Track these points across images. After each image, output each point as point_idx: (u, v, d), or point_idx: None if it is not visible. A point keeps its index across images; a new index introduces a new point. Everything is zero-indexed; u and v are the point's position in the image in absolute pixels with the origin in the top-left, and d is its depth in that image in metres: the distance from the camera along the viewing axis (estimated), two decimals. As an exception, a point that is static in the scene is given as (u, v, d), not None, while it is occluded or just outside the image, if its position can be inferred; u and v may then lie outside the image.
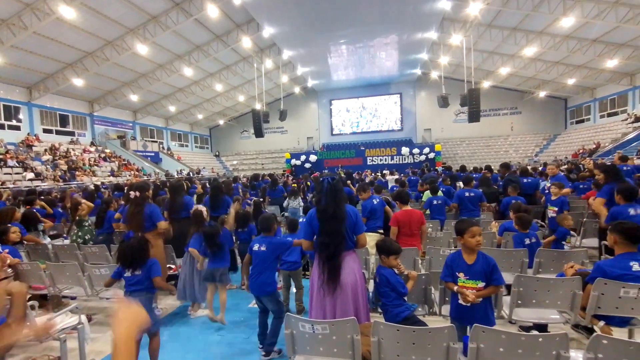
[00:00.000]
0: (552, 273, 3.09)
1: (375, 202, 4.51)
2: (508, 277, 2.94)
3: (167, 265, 4.52)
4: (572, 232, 5.02)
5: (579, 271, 2.63)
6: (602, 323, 2.36)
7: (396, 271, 2.51)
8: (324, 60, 22.09)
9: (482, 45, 19.53)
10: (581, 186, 7.06)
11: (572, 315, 2.46)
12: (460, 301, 2.25)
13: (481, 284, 2.21)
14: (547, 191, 5.32)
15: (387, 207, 4.52)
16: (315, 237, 2.52)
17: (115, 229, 5.03)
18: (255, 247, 2.95)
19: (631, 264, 2.28)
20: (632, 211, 3.33)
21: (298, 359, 2.10)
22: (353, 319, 1.89)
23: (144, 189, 3.90)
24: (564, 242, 3.82)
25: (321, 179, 2.54)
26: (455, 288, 2.29)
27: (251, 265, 3.01)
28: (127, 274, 2.64)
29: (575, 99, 25.27)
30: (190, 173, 23.20)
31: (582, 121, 24.91)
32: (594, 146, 20.29)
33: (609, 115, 22.32)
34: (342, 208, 2.42)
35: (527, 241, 3.39)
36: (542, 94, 24.79)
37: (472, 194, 5.39)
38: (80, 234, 4.97)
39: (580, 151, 20.87)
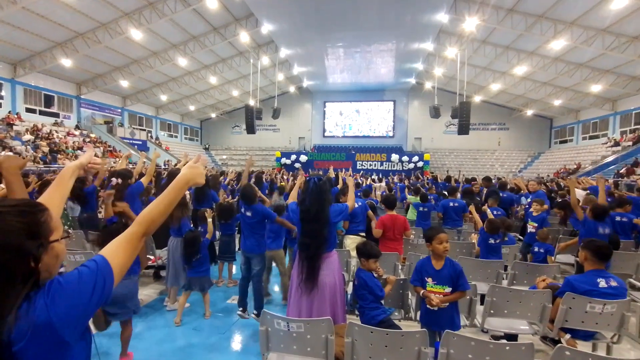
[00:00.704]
0: (525, 285, 3.19)
1: (356, 206, 4.54)
2: (483, 287, 3.02)
3: (147, 256, 4.45)
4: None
5: (550, 285, 2.72)
6: (568, 336, 2.45)
7: (375, 274, 2.54)
8: (321, 61, 22.14)
9: (476, 60, 19.98)
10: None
11: (540, 327, 2.54)
12: (428, 305, 2.34)
13: (448, 289, 2.32)
14: (527, 206, 5.51)
15: (369, 212, 4.55)
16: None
17: (101, 196, 4.67)
18: (242, 210, 3.42)
19: (598, 280, 2.38)
20: (600, 230, 3.54)
21: (271, 356, 2.10)
22: (328, 319, 1.91)
23: (126, 177, 3.84)
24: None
25: (307, 178, 2.55)
26: (422, 292, 2.39)
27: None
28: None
29: (560, 120, 26.15)
30: (177, 164, 22.79)
31: (566, 141, 25.78)
32: (575, 166, 21.02)
33: (591, 137, 23.19)
34: (325, 210, 2.44)
35: (492, 241, 3.55)
36: (529, 112, 25.55)
37: (456, 204, 5.52)
38: None
39: (562, 170, 21.59)
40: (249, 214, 3.37)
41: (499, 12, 14.59)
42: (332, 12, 15.26)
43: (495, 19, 14.81)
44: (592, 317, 2.33)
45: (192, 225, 4.13)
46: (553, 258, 4.06)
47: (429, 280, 2.39)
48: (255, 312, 3.46)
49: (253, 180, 8.41)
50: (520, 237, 5.37)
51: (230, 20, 16.89)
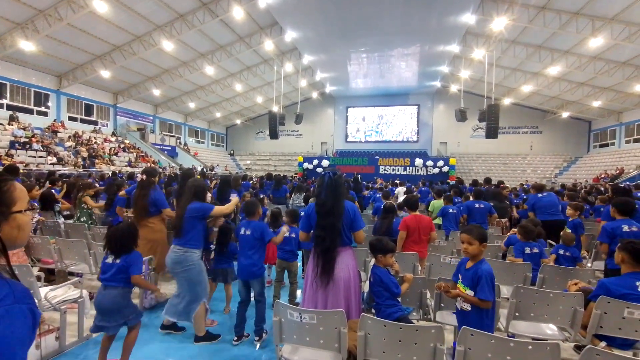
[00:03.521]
0: (556, 290, 2.99)
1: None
2: (509, 291, 2.86)
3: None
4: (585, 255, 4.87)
5: (583, 288, 2.53)
6: (603, 344, 2.26)
7: (391, 271, 2.48)
8: (344, 67, 22.24)
9: (505, 61, 19.25)
10: (602, 209, 6.97)
11: (572, 332, 2.37)
12: (457, 304, 2.24)
13: (470, 292, 2.18)
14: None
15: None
16: (312, 230, 2.53)
17: (118, 213, 5.16)
18: (241, 232, 3.03)
19: (637, 283, 2.19)
20: (625, 227, 3.21)
21: (285, 347, 2.10)
22: (341, 311, 1.88)
23: (151, 174, 4.00)
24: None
25: (323, 172, 2.56)
26: (443, 284, 2.32)
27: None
28: (109, 260, 2.47)
29: (600, 122, 24.52)
30: (204, 169, 23.62)
31: (607, 145, 24.10)
32: (617, 171, 19.56)
33: (635, 140, 21.50)
34: (340, 203, 2.43)
35: (528, 250, 3.30)
36: (565, 114, 24.16)
37: (481, 206, 5.31)
38: (79, 214, 5.22)
39: (603, 175, 20.16)
40: (248, 232, 2.99)
41: (530, 10, 14.00)
42: (354, 18, 15.33)
43: (526, 17, 14.22)
44: (630, 323, 2.14)
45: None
46: (585, 265, 3.77)
47: (460, 277, 2.31)
48: (256, 337, 3.03)
49: (273, 185, 8.56)
50: (553, 243, 5.05)
51: (256, 29, 17.41)
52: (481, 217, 5.18)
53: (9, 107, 16.12)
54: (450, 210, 5.49)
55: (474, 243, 2.20)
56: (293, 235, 3.76)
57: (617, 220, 3.35)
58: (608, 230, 3.27)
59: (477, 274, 2.16)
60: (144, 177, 3.82)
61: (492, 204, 5.93)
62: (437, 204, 6.45)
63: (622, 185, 5.42)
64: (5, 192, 0.84)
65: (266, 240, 3.00)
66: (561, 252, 3.53)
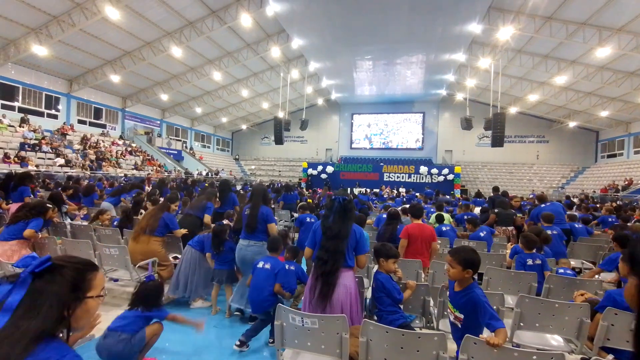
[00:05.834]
0: (562, 300, 2.94)
1: None
2: (514, 301, 2.82)
3: (174, 255, 4.64)
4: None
5: (589, 299, 2.49)
6: (610, 357, 2.21)
7: (394, 277, 2.47)
8: (349, 74, 22.40)
9: (511, 70, 19.24)
10: (609, 219, 7.07)
11: (578, 344, 2.32)
12: (450, 316, 2.15)
13: (460, 315, 2.03)
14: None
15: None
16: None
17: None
18: (260, 265, 3.00)
19: (645, 295, 2.14)
20: None
21: (286, 352, 2.09)
22: (343, 316, 1.87)
23: (170, 199, 4.30)
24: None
25: (333, 197, 2.57)
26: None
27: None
28: (127, 307, 2.51)
29: (607, 132, 24.29)
30: (209, 174, 23.79)
31: (615, 155, 23.83)
32: (626, 182, 19.30)
33: (645, 151, 21.27)
34: (347, 229, 2.44)
35: (530, 262, 3.24)
36: (572, 124, 23.99)
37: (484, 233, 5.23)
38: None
39: (610, 186, 19.90)
40: (267, 266, 2.95)
41: (536, 20, 14.02)
42: (361, 26, 15.47)
43: (533, 27, 14.24)
44: (638, 336, 2.09)
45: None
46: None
47: (449, 296, 2.19)
48: (237, 342, 2.96)
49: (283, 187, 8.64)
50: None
51: (263, 37, 17.66)
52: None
53: (20, 110, 16.45)
54: (443, 229, 5.27)
55: (455, 267, 1.98)
56: (292, 268, 3.61)
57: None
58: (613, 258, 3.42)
59: (471, 298, 1.94)
60: (161, 199, 3.97)
61: (496, 210, 5.91)
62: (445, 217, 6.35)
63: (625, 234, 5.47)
64: (88, 280, 1.02)
65: (278, 281, 2.93)
66: (561, 270, 3.47)
